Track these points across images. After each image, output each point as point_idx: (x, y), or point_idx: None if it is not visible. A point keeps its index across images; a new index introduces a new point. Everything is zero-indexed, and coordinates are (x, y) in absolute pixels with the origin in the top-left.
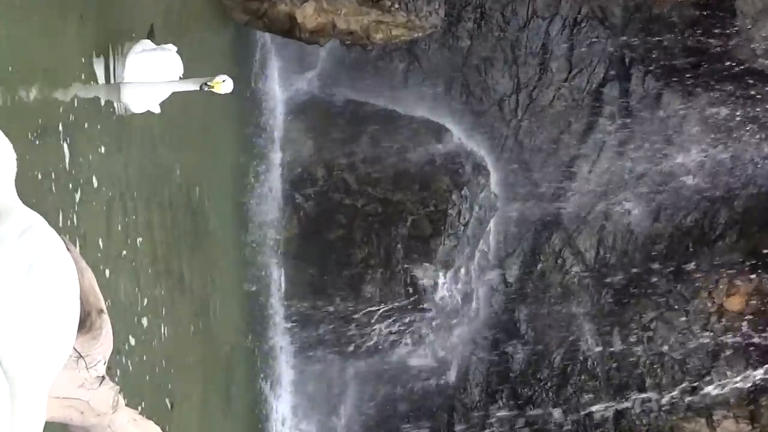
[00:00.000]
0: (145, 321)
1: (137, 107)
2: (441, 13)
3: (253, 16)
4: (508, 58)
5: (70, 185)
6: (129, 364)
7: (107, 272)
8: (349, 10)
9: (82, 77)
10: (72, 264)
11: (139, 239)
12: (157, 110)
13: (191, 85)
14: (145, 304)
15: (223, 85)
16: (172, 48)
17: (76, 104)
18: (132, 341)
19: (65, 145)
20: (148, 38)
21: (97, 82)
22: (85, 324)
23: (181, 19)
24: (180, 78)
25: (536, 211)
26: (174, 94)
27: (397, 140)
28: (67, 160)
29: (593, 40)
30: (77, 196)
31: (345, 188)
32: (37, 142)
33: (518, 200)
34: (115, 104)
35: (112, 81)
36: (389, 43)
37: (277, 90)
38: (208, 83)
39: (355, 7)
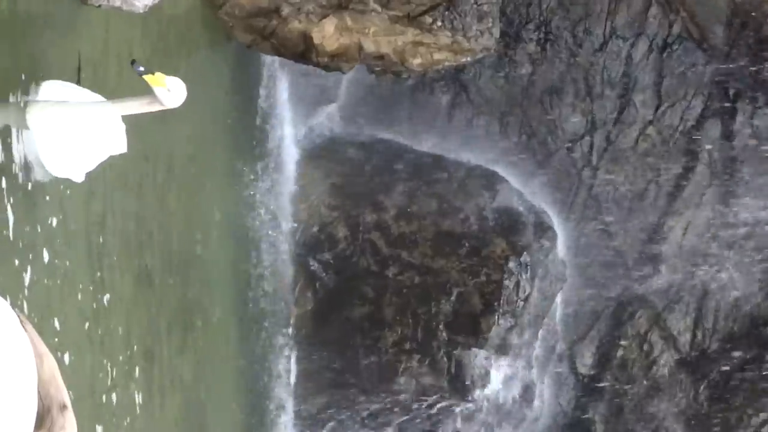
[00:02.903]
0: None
1: (55, 170)
2: (495, 33)
3: (258, 36)
4: (580, 89)
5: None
6: None
7: (66, 357)
8: (379, 28)
9: None
10: (27, 346)
11: (110, 319)
12: (79, 179)
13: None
14: (117, 401)
15: (169, 85)
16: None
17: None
18: None
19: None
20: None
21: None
22: (44, 422)
23: (168, 41)
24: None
25: (616, 284)
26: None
27: (438, 192)
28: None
29: (688, 66)
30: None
31: (373, 253)
32: None
33: (593, 269)
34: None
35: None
36: (430, 70)
37: (289, 128)
38: (144, 70)
39: (387, 25)
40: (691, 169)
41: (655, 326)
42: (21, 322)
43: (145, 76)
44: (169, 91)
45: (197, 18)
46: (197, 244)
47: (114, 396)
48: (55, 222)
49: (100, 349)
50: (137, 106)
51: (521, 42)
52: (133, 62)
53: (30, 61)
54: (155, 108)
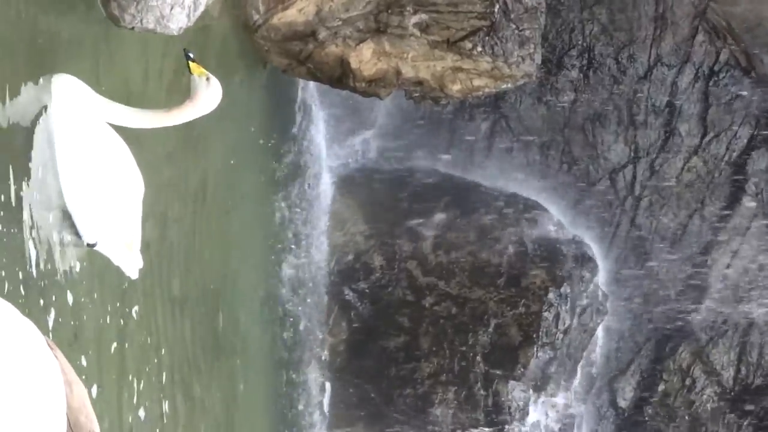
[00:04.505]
0: None
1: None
2: (536, 59)
3: (294, 61)
4: (624, 117)
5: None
6: None
7: (95, 388)
8: (418, 53)
9: None
10: (57, 373)
11: (138, 349)
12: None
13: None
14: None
15: (209, 83)
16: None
17: None
18: None
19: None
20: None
21: None
22: None
23: (202, 64)
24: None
25: (658, 316)
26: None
27: (477, 221)
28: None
29: (734, 95)
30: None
31: (409, 282)
32: None
33: (634, 302)
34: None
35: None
36: (469, 97)
37: (324, 154)
38: (193, 57)
39: (427, 50)
40: (737, 200)
41: (698, 360)
42: (51, 348)
43: (191, 63)
44: (208, 80)
45: (232, 41)
46: (229, 271)
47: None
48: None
49: (127, 381)
50: (170, 116)
51: (563, 68)
52: (187, 55)
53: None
54: (186, 114)
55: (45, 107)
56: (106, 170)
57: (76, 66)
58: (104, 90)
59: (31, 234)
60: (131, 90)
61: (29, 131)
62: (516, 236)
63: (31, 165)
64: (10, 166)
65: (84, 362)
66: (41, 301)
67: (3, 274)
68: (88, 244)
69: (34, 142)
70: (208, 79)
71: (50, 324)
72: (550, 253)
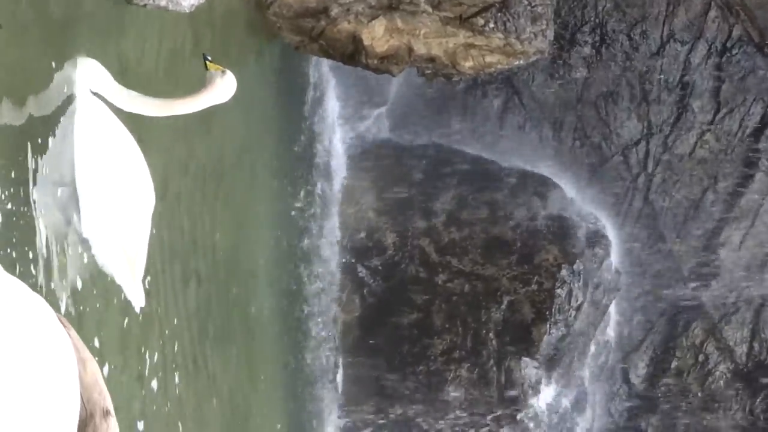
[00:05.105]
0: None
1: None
2: (549, 36)
3: (306, 38)
4: (636, 93)
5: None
6: None
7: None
8: (430, 30)
9: None
10: (70, 349)
11: (152, 326)
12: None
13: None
14: (156, 409)
15: (224, 75)
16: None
17: None
18: None
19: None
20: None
21: None
22: (86, 428)
23: (214, 42)
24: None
25: (671, 293)
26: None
27: (489, 198)
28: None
29: (748, 71)
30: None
31: (422, 259)
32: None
33: (647, 278)
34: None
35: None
36: (481, 74)
37: (337, 132)
38: (209, 58)
39: (439, 26)
40: (750, 176)
41: (710, 337)
42: (63, 325)
43: (208, 63)
44: (224, 72)
45: (244, 18)
46: (240, 247)
47: (152, 405)
48: None
49: (140, 353)
50: (189, 105)
51: (576, 45)
52: (205, 57)
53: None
54: (201, 102)
55: (70, 95)
56: (121, 168)
57: (89, 44)
58: (117, 68)
59: (42, 213)
60: (143, 68)
61: (52, 117)
62: (528, 213)
63: (49, 143)
64: (29, 145)
65: (96, 342)
66: (53, 275)
67: (14, 254)
68: (83, 235)
69: (58, 128)
70: (223, 71)
71: (63, 302)
72: (563, 230)
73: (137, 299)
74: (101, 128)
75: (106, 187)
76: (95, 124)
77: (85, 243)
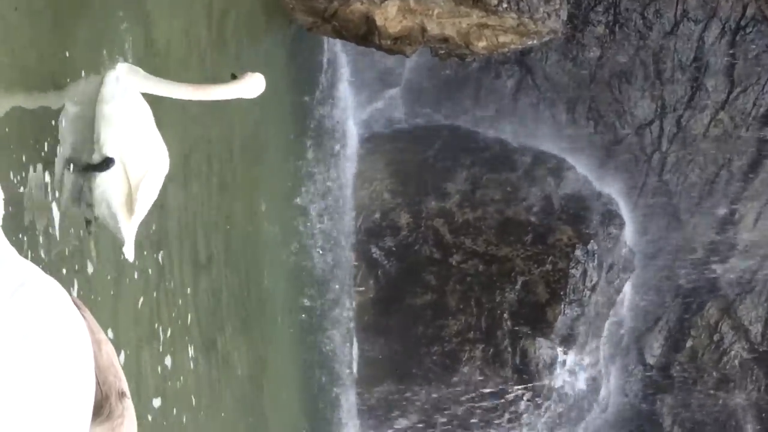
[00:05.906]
0: (175, 411)
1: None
2: (562, 15)
3: (319, 19)
4: (650, 72)
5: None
6: None
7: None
8: (443, 10)
9: None
10: (84, 331)
11: (164, 311)
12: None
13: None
14: (173, 388)
15: (254, 74)
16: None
17: None
18: None
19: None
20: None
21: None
22: (101, 410)
23: (227, 23)
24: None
25: (685, 273)
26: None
27: (503, 178)
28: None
29: (762, 49)
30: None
31: (436, 240)
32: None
33: (662, 258)
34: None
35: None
36: (495, 53)
37: (350, 112)
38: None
39: (452, 6)
40: (765, 155)
41: (725, 316)
42: (78, 307)
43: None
44: (252, 74)
45: (260, 1)
46: (257, 226)
47: (168, 391)
48: None
49: (154, 330)
50: (217, 93)
51: (589, 24)
52: (233, 75)
53: (83, 46)
54: (230, 92)
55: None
56: (141, 126)
57: (99, 23)
58: (140, 46)
59: (55, 195)
60: (170, 50)
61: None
62: (542, 193)
63: (62, 123)
64: (42, 129)
65: (114, 324)
66: (65, 259)
67: (25, 239)
68: (106, 158)
69: (75, 106)
70: (253, 73)
71: (74, 284)
72: (577, 210)
73: (128, 249)
74: (125, 98)
75: (128, 119)
76: (119, 94)
77: (94, 210)
